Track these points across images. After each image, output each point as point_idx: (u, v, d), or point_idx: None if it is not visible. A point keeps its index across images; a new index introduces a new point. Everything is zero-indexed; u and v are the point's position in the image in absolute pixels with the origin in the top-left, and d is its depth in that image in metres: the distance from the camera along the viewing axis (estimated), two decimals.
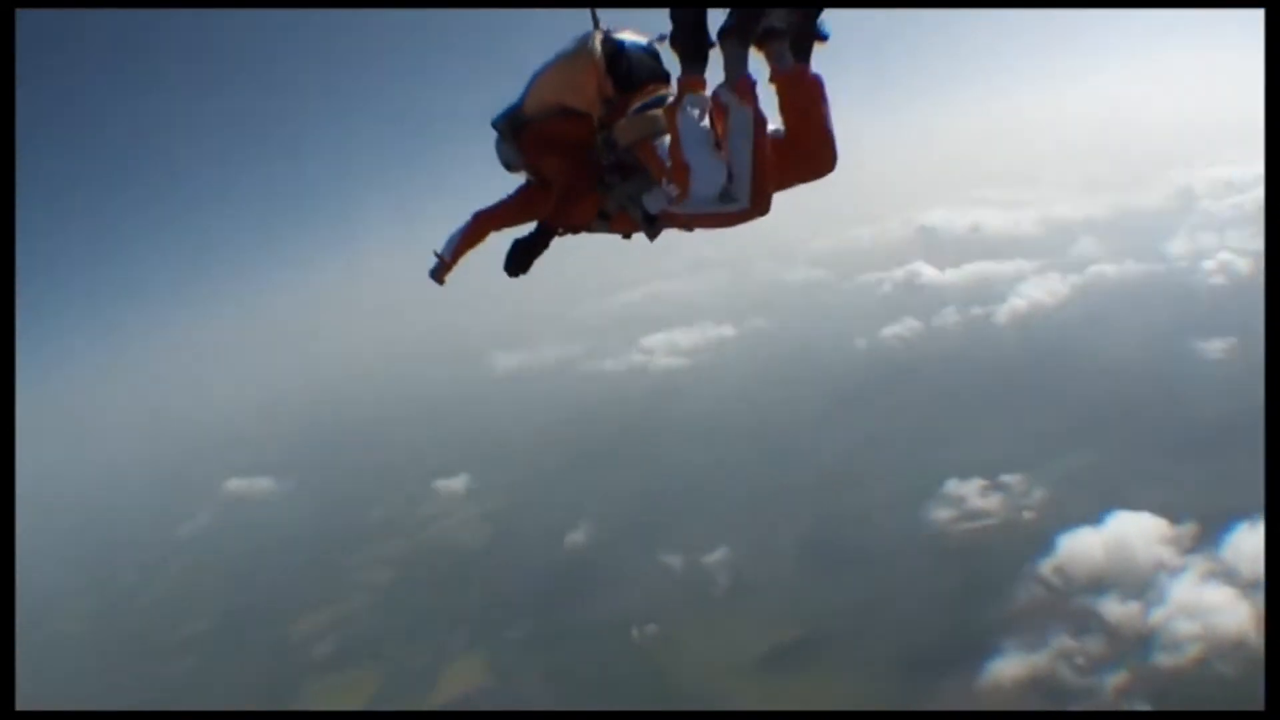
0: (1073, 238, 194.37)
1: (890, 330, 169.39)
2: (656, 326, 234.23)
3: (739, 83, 7.17)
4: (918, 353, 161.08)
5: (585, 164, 8.95)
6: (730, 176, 7.24)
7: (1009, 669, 71.72)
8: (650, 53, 8.86)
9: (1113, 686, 67.79)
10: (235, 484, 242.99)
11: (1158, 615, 71.73)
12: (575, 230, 9.30)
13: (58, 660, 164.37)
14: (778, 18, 7.13)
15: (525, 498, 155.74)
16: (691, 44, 7.43)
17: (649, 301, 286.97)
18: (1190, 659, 65.97)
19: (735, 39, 7.13)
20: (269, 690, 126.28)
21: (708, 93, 7.54)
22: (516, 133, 9.40)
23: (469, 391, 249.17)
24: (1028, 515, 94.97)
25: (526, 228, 9.24)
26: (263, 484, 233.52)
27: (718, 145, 7.41)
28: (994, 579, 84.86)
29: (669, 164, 7.87)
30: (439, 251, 9.99)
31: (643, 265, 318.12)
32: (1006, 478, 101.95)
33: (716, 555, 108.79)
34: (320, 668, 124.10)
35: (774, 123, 7.62)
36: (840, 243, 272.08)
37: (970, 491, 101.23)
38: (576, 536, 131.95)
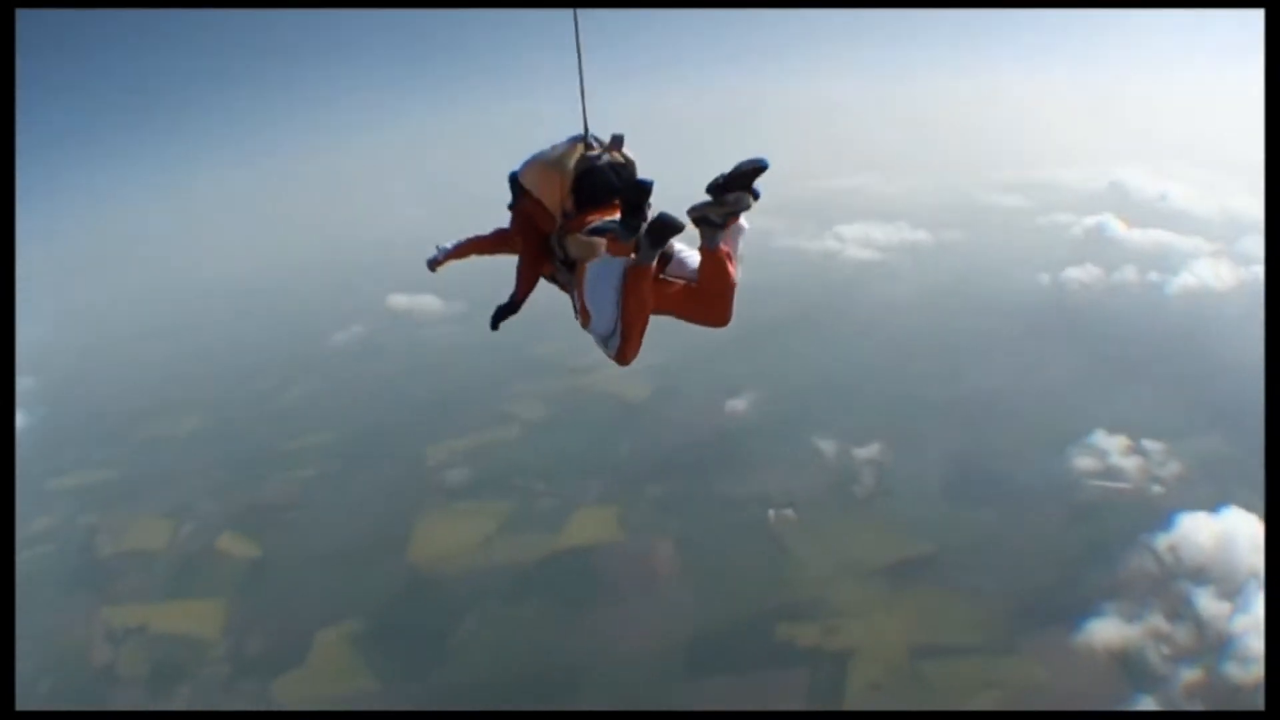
0: (1243, 231, 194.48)
1: (1073, 273, 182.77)
2: (854, 218, 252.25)
3: (636, 265, 9.49)
4: (1093, 301, 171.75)
5: (542, 248, 11.63)
6: (615, 329, 9.95)
7: (1104, 634, 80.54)
8: (622, 178, 11.02)
9: (1183, 683, 75.67)
10: (399, 300, 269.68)
11: (1240, 622, 79.46)
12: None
13: (168, 457, 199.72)
14: (714, 212, 9.32)
15: (693, 359, 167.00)
16: (630, 222, 9.37)
17: (851, 193, 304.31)
18: (1253, 678, 71.33)
19: (649, 241, 9.24)
20: (385, 506, 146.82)
21: (630, 256, 9.55)
22: (515, 191, 11.76)
23: None
24: (1157, 488, 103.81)
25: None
26: (428, 303, 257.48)
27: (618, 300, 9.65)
28: (1112, 541, 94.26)
29: (583, 298, 10.20)
30: (437, 249, 13.29)
31: (848, 158, 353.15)
32: (1149, 443, 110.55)
33: (867, 451, 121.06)
34: (448, 493, 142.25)
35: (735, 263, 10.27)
36: (1042, 178, 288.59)
37: (1114, 447, 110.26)
38: (737, 405, 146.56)
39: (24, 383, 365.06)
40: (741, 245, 10.20)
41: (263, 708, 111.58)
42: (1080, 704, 74.45)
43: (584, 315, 10.55)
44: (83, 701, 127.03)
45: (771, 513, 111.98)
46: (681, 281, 10.42)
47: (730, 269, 9.92)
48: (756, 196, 9.56)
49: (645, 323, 10.24)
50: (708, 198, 9.38)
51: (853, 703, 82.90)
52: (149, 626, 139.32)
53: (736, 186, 9.32)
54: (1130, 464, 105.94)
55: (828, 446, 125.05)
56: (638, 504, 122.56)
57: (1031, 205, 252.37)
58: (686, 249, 10.50)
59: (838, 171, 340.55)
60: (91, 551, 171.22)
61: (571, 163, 11.09)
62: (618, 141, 11.53)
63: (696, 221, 9.47)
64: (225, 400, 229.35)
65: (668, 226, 9.17)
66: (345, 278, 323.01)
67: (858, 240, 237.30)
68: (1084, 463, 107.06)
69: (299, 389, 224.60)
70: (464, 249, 13.28)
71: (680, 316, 10.77)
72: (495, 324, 13.16)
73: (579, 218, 10.92)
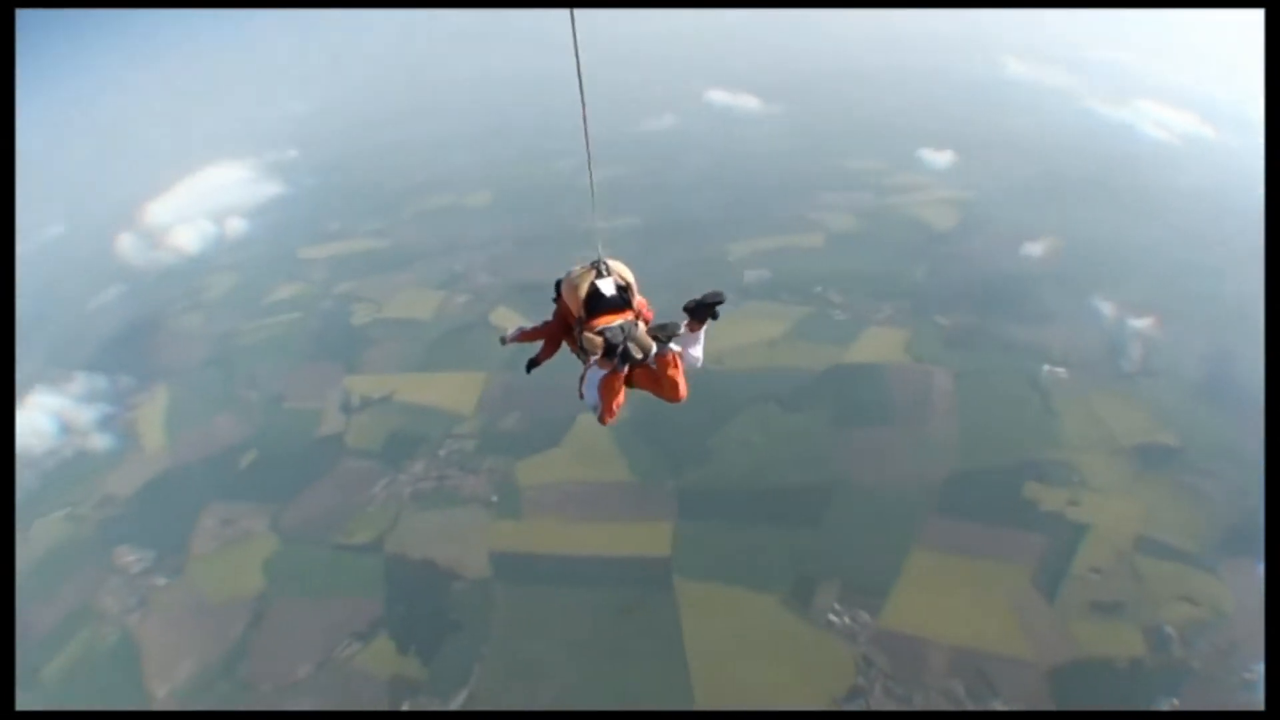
0: None
1: None
2: (1149, 95, 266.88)
3: (611, 373, 17.14)
4: None
5: (566, 333, 18.79)
6: (597, 406, 17.29)
7: None
8: (620, 294, 18.11)
9: None
10: (718, 94, 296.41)
11: None
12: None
13: (449, 230, 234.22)
14: (661, 334, 17.00)
15: (1000, 199, 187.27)
16: (610, 356, 17.07)
17: (1150, 71, 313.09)
18: None
19: (620, 362, 16.99)
20: (679, 296, 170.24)
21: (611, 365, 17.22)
22: (556, 293, 19.00)
23: (977, 79, 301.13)
24: None
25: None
26: (747, 102, 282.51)
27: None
28: None
29: (582, 385, 17.65)
30: (510, 331, 20.06)
31: (1150, 35, 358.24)
32: None
33: (1140, 323, 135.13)
34: (744, 291, 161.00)
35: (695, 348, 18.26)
36: None
37: None
38: (1033, 249, 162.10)
39: (287, 154, 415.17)
40: (697, 352, 18.24)
41: (502, 487, 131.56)
42: (1243, 650, 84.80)
43: (580, 393, 17.95)
44: (299, 472, 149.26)
45: (1046, 367, 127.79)
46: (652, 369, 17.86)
47: (673, 371, 17.62)
48: (716, 317, 17.70)
49: (616, 401, 17.77)
50: (684, 317, 17.72)
51: (1072, 584, 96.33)
52: (395, 396, 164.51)
53: (702, 311, 17.57)
54: None
55: (1106, 309, 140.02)
56: (925, 331, 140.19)
57: None
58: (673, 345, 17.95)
59: (1138, 45, 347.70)
60: (344, 320, 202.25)
61: (585, 286, 17.90)
62: (607, 267, 18.68)
63: (651, 337, 17.22)
64: (521, 178, 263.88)
65: (631, 357, 17.05)
66: (661, 66, 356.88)
67: (1153, 120, 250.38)
68: None
69: (604, 172, 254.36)
70: (526, 334, 19.89)
71: (649, 391, 18.13)
72: (529, 369, 19.90)
73: (587, 321, 17.72)
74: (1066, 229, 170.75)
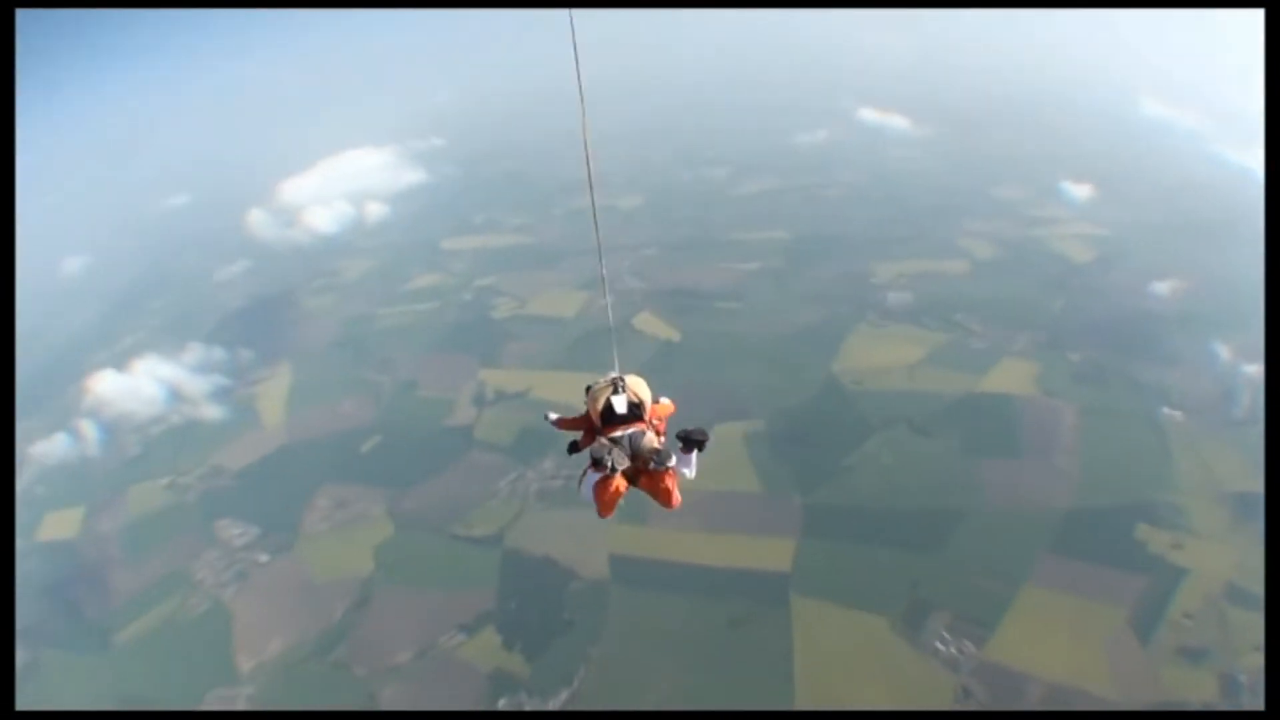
0: None
1: None
2: None
3: (604, 477, 19.84)
4: None
5: (589, 433, 21.58)
6: (591, 501, 20.39)
7: None
8: (633, 409, 20.88)
9: None
10: (869, 113, 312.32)
11: None
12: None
13: (605, 227, 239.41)
14: (655, 458, 19.72)
15: (1131, 234, 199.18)
16: (598, 467, 19.66)
17: None
18: None
19: (610, 471, 19.66)
20: (821, 313, 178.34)
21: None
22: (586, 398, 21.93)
23: (1115, 114, 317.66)
24: None
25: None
26: (898, 122, 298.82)
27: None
28: None
29: (581, 485, 20.50)
30: (551, 416, 23.46)
31: None
32: None
33: (1254, 369, 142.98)
34: (885, 312, 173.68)
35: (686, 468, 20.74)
36: None
37: None
38: (1160, 288, 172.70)
39: (431, 143, 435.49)
40: (689, 471, 21.01)
41: (630, 491, 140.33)
42: None
43: (580, 489, 21.16)
44: (423, 460, 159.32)
45: (1164, 409, 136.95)
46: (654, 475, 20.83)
47: (669, 483, 20.55)
48: (702, 450, 20.76)
49: (608, 500, 20.64)
50: (677, 443, 20.83)
51: (1166, 627, 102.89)
52: (531, 393, 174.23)
53: (690, 444, 20.65)
54: None
55: (1224, 353, 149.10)
56: (1056, 365, 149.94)
57: None
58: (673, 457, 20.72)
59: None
60: (484, 313, 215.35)
61: (601, 400, 21.40)
62: (623, 382, 21.69)
63: (650, 455, 20.28)
64: (673, 183, 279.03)
65: (615, 470, 20.01)
66: (817, 82, 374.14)
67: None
68: None
69: (755, 183, 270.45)
70: (564, 423, 23.34)
71: (647, 493, 21.20)
72: (570, 452, 22.70)
73: (602, 429, 21.35)
74: (1192, 270, 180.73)
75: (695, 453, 20.99)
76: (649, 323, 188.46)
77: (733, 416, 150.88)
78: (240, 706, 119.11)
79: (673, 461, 20.37)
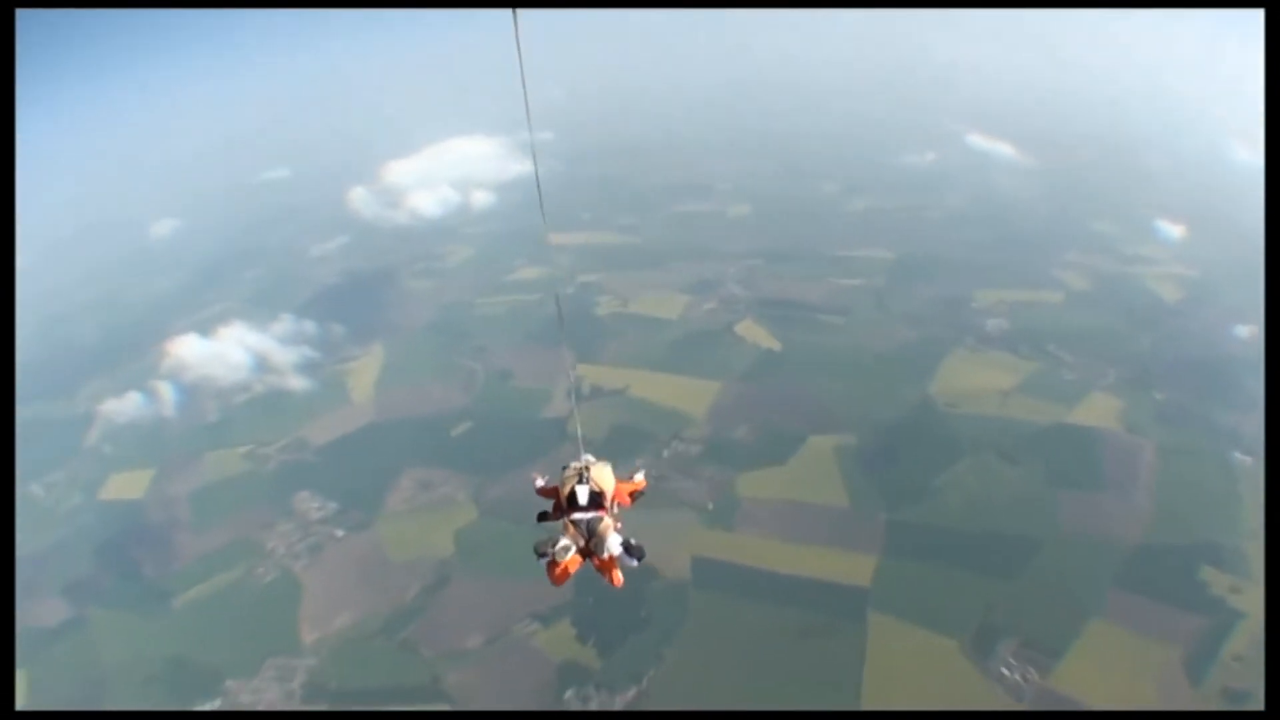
0: None
1: None
2: None
3: (550, 560, 23.24)
4: None
5: (558, 507, 24.29)
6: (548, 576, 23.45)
7: None
8: (594, 498, 23.78)
9: None
10: (977, 139, 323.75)
11: None
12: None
13: (704, 236, 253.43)
14: (600, 548, 23.39)
15: (1218, 277, 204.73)
16: (541, 555, 23.45)
17: None
18: None
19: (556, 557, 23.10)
20: (920, 334, 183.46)
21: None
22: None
23: (1208, 156, 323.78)
24: None
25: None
26: (1004, 150, 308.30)
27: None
28: None
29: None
30: (538, 482, 26.64)
31: None
32: None
33: None
34: (983, 338, 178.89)
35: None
36: None
37: None
38: (1242, 331, 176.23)
39: (540, 136, 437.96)
40: (632, 563, 23.90)
41: (720, 496, 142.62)
42: None
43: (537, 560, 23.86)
44: (513, 449, 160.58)
45: (1237, 454, 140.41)
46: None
47: (612, 569, 23.66)
48: (639, 560, 23.78)
49: (557, 575, 23.33)
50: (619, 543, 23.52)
51: (1216, 668, 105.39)
52: (628, 391, 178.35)
53: (631, 551, 23.58)
54: None
55: None
56: (1141, 403, 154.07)
57: None
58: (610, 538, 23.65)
59: None
60: (587, 309, 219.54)
61: (567, 488, 24.09)
62: (586, 475, 24.58)
63: (592, 548, 23.39)
64: (782, 195, 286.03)
65: (557, 560, 23.00)
66: (928, 103, 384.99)
67: None
68: None
69: (862, 201, 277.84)
70: (544, 491, 26.22)
71: (597, 569, 23.92)
72: (539, 520, 25.41)
73: (566, 510, 24.12)
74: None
75: (635, 559, 24.22)
76: (751, 330, 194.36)
77: (826, 429, 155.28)
78: (300, 677, 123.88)
79: (617, 553, 23.72)
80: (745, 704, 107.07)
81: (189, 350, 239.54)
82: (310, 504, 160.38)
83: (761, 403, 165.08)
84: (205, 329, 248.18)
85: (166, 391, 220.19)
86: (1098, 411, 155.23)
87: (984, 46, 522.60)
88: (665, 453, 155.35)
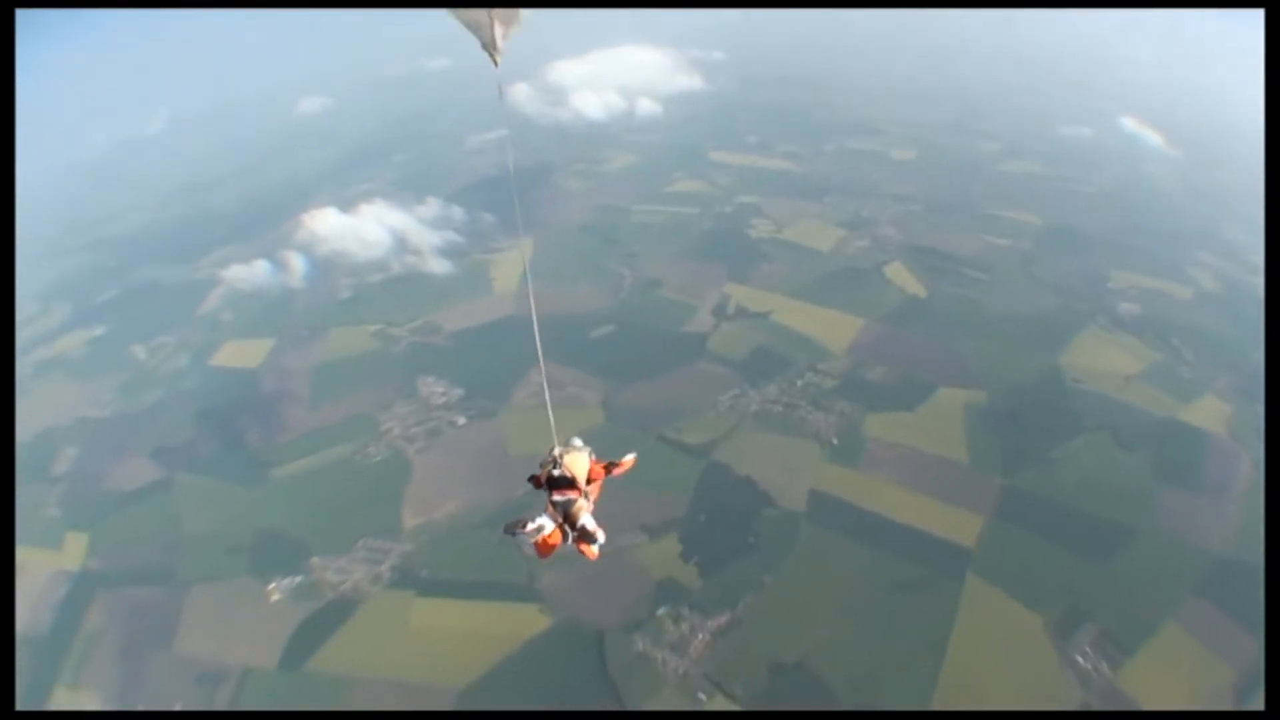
0: None
1: None
2: None
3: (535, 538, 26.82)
4: None
5: (538, 486, 27.27)
6: (532, 553, 27.53)
7: None
8: (565, 481, 27.22)
9: None
10: (1129, 122, 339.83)
11: None
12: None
13: (866, 174, 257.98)
14: (571, 534, 27.14)
15: None
16: (509, 532, 28.06)
17: None
18: None
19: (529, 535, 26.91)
20: (1057, 303, 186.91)
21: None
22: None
23: None
24: None
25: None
26: (1151, 137, 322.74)
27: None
28: None
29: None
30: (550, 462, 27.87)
31: None
32: None
33: None
34: (1115, 319, 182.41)
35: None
36: None
37: None
38: None
39: (712, 55, 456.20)
40: (601, 539, 26.78)
41: (846, 433, 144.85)
42: None
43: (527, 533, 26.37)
44: (651, 359, 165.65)
45: None
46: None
47: (585, 547, 27.01)
48: (591, 543, 27.28)
49: (543, 549, 26.58)
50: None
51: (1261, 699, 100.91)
52: (772, 315, 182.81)
53: (585, 534, 27.16)
54: None
55: None
56: (1246, 412, 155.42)
57: None
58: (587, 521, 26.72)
59: None
60: (741, 230, 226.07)
61: (544, 474, 27.01)
62: (557, 461, 27.41)
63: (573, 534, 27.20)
64: (946, 147, 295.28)
65: (526, 542, 27.05)
66: (1084, 85, 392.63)
67: None
68: None
69: (1018, 165, 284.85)
70: (537, 480, 28.06)
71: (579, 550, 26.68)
72: (505, 531, 27.81)
73: (550, 490, 26.78)
74: None
75: (594, 542, 27.31)
76: (899, 273, 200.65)
77: (958, 382, 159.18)
78: (391, 561, 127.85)
79: (591, 528, 27.09)
80: (829, 648, 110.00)
81: (325, 224, 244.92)
82: (435, 388, 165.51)
83: (900, 346, 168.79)
84: (346, 205, 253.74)
85: (297, 263, 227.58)
86: (1208, 413, 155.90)
87: (1156, 47, 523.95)
88: (800, 382, 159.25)
